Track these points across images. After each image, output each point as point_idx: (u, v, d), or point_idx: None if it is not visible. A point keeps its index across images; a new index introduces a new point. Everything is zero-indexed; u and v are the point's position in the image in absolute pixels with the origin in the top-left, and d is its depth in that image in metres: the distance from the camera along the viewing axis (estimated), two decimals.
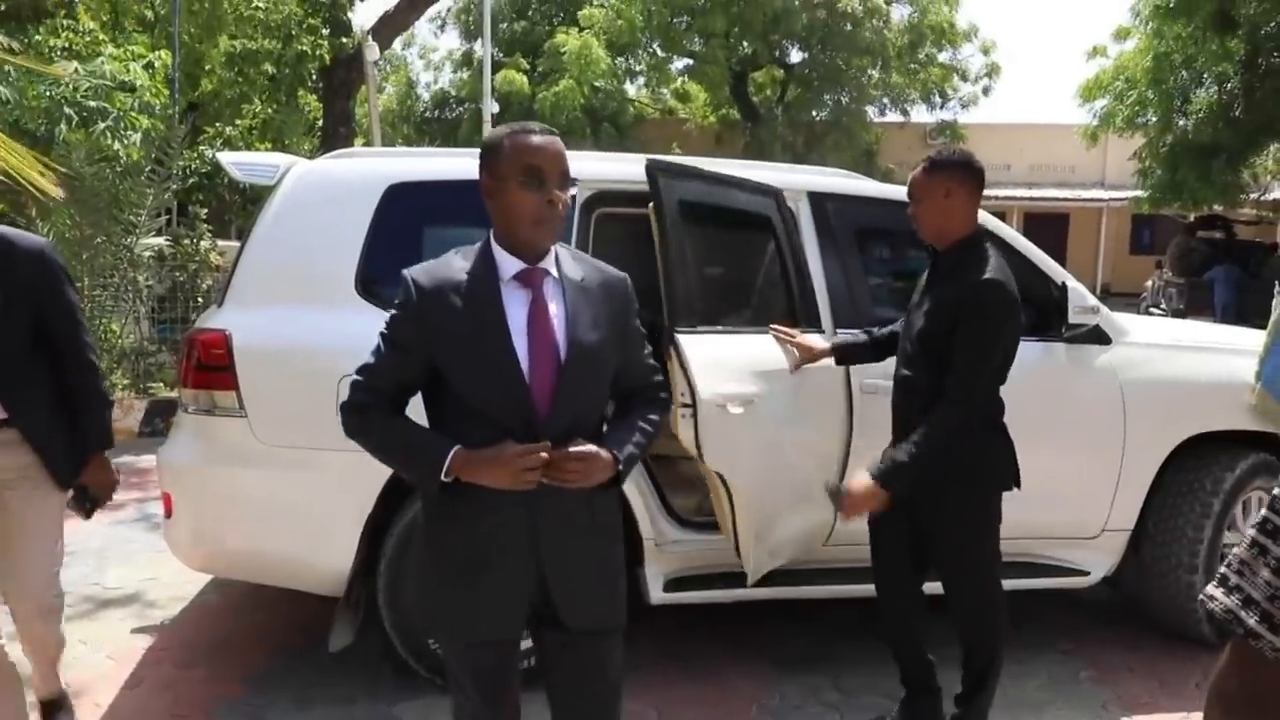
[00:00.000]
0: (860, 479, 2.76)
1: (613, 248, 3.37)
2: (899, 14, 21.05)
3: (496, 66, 19.32)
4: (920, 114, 21.66)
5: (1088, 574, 3.70)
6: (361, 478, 3.15)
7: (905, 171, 3.59)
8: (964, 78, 21.41)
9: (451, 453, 1.86)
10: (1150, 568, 3.76)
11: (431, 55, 29.36)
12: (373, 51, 14.99)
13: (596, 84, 18.38)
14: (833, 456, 3.46)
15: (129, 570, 4.56)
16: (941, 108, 21.72)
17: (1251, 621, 0.96)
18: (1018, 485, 2.85)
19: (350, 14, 15.23)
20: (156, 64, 10.18)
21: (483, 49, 18.15)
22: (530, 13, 22.08)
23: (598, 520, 1.99)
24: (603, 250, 3.29)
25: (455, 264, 1.96)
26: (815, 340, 3.29)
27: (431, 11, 20.82)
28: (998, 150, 21.33)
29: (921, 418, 2.74)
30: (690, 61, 21.05)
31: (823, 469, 3.40)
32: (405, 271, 1.95)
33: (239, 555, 3.30)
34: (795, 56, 21.53)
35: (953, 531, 2.84)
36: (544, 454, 1.84)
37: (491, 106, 17.93)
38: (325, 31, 14.05)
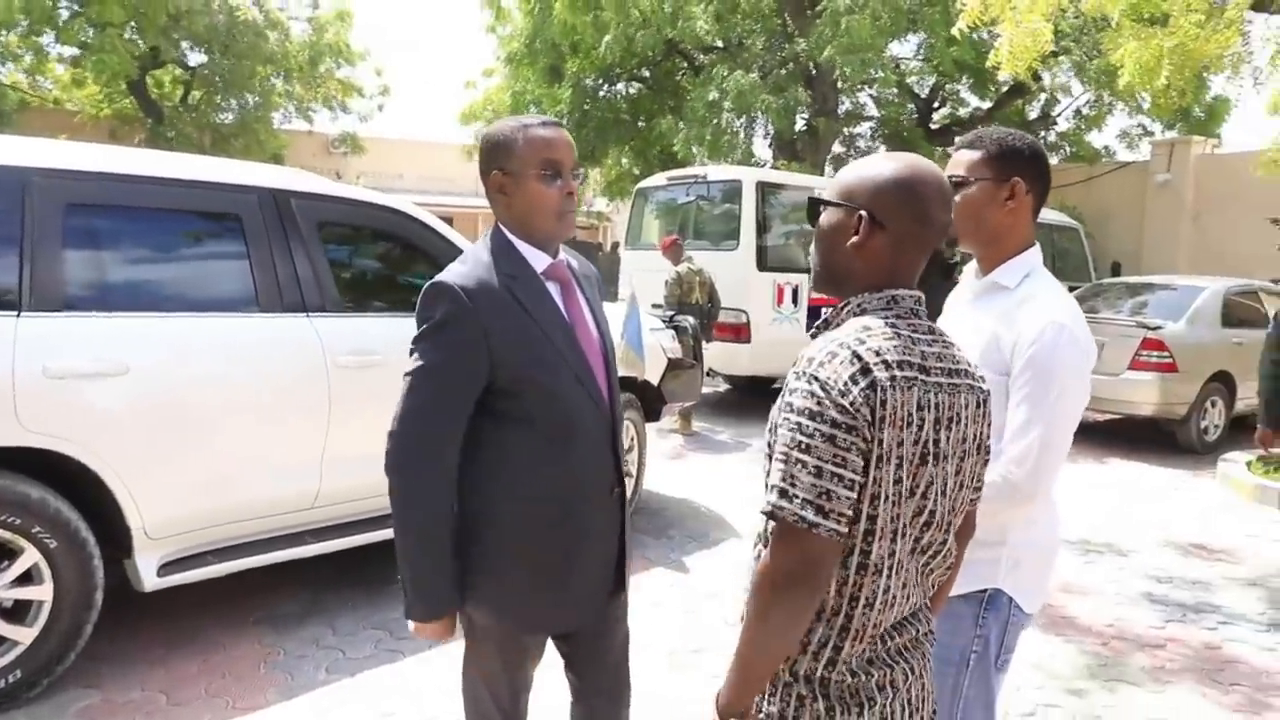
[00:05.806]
0: None
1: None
2: (299, 29, 20.13)
3: None
4: (323, 124, 21.04)
5: None
6: None
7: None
8: (361, 94, 21.24)
9: (447, 614, 1.70)
10: None
11: None
12: None
13: None
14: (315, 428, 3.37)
15: None
16: (344, 115, 21.27)
17: (808, 514, 1.15)
18: None
19: None
20: None
21: None
22: None
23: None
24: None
25: (485, 264, 1.68)
26: None
27: None
28: (393, 162, 21.82)
29: None
30: (79, 51, 17.70)
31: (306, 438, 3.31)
32: (444, 281, 1.62)
33: None
34: (196, 59, 19.36)
35: None
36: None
37: None
38: None
